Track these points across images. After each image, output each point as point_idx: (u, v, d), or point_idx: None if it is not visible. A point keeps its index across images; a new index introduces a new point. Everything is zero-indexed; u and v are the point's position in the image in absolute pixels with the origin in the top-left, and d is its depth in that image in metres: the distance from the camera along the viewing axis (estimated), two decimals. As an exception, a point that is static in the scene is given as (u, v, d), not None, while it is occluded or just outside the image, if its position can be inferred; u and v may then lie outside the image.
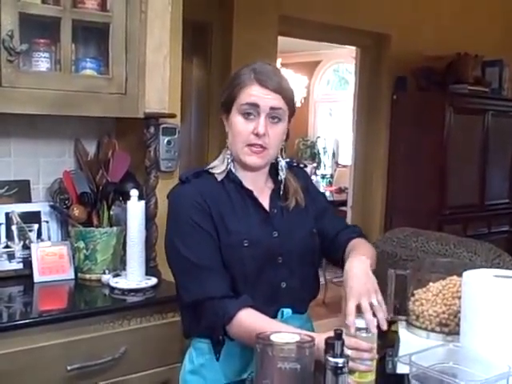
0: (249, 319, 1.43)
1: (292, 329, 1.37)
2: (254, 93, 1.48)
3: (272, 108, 1.49)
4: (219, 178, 1.55)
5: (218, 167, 1.56)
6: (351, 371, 1.23)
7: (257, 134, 1.48)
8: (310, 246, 1.63)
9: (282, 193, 1.61)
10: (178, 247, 1.51)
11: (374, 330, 1.34)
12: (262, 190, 1.60)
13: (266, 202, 1.59)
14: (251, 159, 1.52)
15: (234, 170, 1.56)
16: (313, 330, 1.58)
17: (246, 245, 1.50)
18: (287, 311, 1.56)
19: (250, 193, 1.56)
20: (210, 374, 1.53)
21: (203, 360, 1.56)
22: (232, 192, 1.55)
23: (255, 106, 1.48)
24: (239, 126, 1.50)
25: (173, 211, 1.56)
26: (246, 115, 1.49)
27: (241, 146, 1.51)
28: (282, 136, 1.56)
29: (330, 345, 1.05)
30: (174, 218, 1.56)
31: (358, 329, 1.33)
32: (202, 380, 1.55)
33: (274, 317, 1.52)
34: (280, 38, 4.26)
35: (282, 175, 1.61)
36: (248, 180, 1.57)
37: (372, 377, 1.32)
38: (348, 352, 1.22)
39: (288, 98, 1.53)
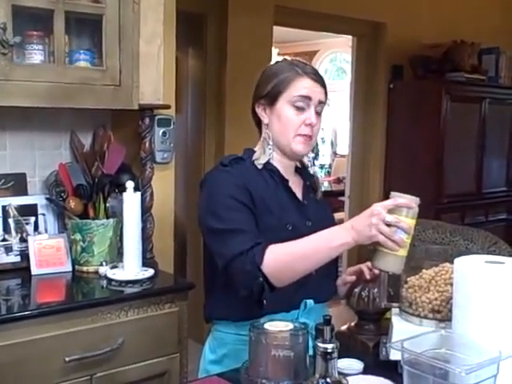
0: (278, 248, 1.44)
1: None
2: (307, 86, 1.58)
3: (320, 101, 1.60)
4: (260, 166, 1.62)
5: (261, 158, 1.62)
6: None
7: (309, 125, 1.58)
8: None
9: (311, 184, 1.72)
10: (211, 224, 1.52)
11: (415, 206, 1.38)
12: (293, 181, 1.67)
13: (298, 193, 1.66)
14: (301, 147, 1.61)
15: (271, 160, 1.63)
16: None
17: (289, 228, 1.56)
18: (310, 302, 1.60)
19: (286, 182, 1.64)
20: (233, 364, 1.53)
21: (226, 350, 1.60)
22: (269, 180, 1.61)
23: (308, 98, 1.58)
24: (291, 116, 1.58)
25: (210, 190, 1.57)
26: (297, 107, 1.58)
27: (292, 135, 1.59)
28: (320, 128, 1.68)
29: (319, 330, 1.06)
30: (211, 195, 1.56)
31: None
32: (225, 369, 1.56)
33: (298, 305, 1.57)
34: (277, 29, 4.24)
35: (314, 168, 1.73)
36: (282, 170, 1.64)
37: (403, 253, 1.37)
38: (389, 219, 1.33)
39: (327, 95, 1.65)
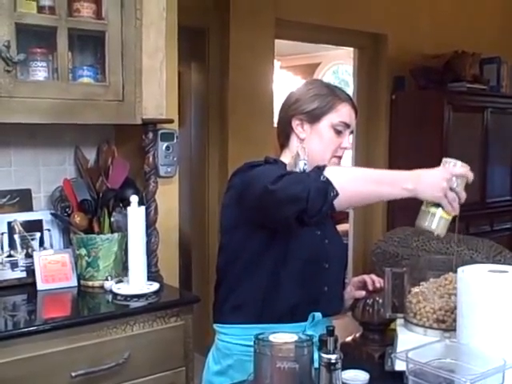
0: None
1: None
2: (349, 114, 1.68)
3: (352, 130, 1.71)
4: None
5: (292, 170, 1.65)
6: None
7: (345, 149, 1.69)
8: (346, 257, 1.81)
9: None
10: (269, 180, 1.44)
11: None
12: None
13: None
14: None
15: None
16: None
17: (318, 233, 1.62)
18: (318, 315, 1.60)
19: None
20: (238, 375, 1.55)
21: (231, 361, 1.60)
22: None
23: (347, 125, 1.67)
24: (332, 139, 1.67)
25: (262, 168, 1.57)
26: (337, 130, 1.66)
27: (329, 156, 1.66)
28: None
29: (323, 341, 1.06)
30: (262, 171, 1.54)
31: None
32: (230, 380, 1.57)
33: (307, 317, 1.59)
34: (279, 42, 4.27)
35: None
36: None
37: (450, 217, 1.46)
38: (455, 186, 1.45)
39: None
